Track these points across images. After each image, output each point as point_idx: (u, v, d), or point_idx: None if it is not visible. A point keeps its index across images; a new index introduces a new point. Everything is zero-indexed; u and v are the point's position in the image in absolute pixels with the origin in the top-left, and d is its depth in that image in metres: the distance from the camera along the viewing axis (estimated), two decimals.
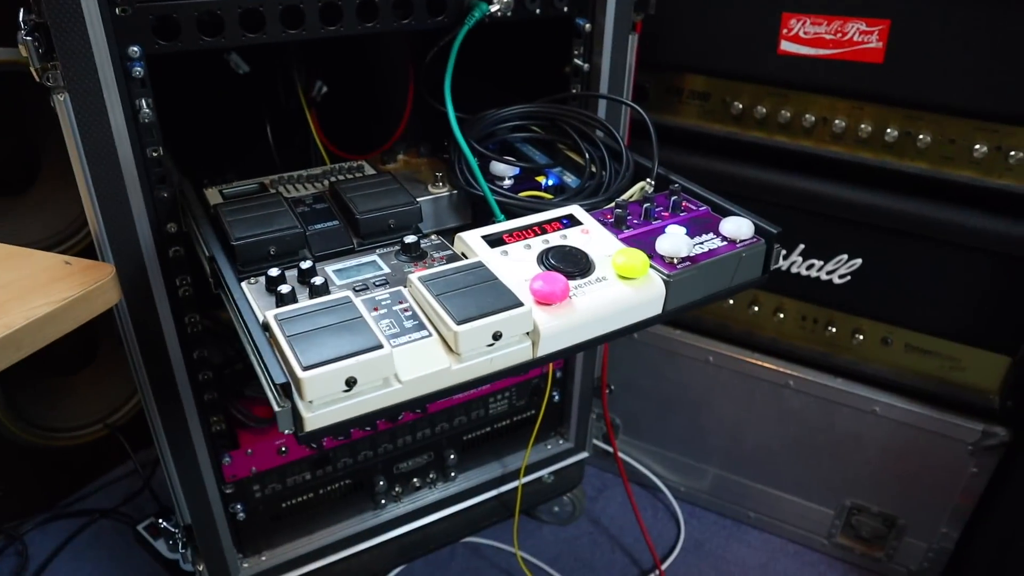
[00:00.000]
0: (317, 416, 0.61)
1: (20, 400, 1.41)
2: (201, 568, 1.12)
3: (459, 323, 0.65)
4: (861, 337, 1.30)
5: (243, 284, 0.72)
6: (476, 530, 1.34)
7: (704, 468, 1.55)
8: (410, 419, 1.21)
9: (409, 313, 0.68)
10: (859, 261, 1.25)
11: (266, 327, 0.65)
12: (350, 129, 1.26)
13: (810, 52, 1.17)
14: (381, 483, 1.23)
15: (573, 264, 0.76)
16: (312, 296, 0.70)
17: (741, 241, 0.83)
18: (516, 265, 0.76)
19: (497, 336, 0.67)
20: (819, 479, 1.43)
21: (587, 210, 0.86)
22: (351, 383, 0.60)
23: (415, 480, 1.28)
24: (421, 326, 0.67)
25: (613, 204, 0.87)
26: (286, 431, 0.61)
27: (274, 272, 0.71)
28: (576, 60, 1.10)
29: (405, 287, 0.72)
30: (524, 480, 1.38)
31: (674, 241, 0.78)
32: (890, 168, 1.19)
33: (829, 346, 1.34)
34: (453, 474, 1.30)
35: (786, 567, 1.47)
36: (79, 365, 1.55)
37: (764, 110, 1.24)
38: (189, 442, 1.02)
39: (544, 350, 0.71)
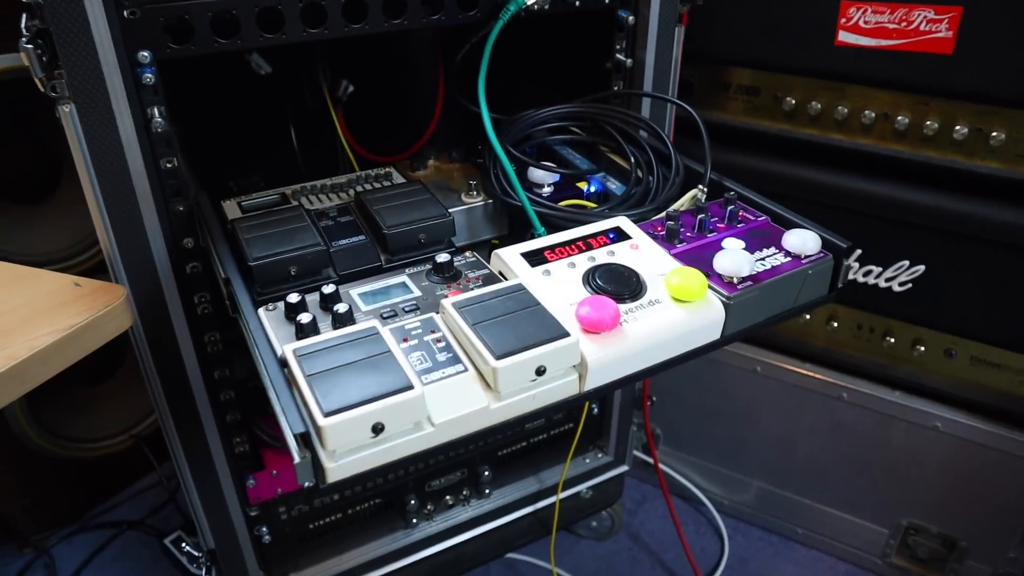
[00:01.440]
0: (341, 466, 0.54)
1: (44, 411, 1.36)
2: None
3: (499, 358, 0.58)
4: (922, 348, 1.21)
5: (261, 311, 0.66)
6: (512, 548, 1.27)
7: (749, 481, 1.46)
8: None
9: (443, 344, 0.61)
10: (921, 268, 1.16)
11: (284, 363, 0.58)
12: (378, 130, 1.19)
13: (871, 43, 1.08)
14: (412, 502, 1.17)
15: (623, 285, 0.69)
16: (336, 325, 0.63)
17: (806, 257, 0.75)
18: (560, 287, 0.68)
19: (541, 371, 0.59)
20: (873, 497, 1.35)
21: (634, 221, 0.78)
22: (378, 429, 0.54)
23: (448, 498, 1.22)
24: (456, 359, 0.60)
25: (664, 215, 0.79)
26: (306, 484, 0.54)
27: (294, 298, 0.64)
28: (618, 55, 1.02)
29: (437, 313, 0.65)
30: (562, 495, 1.31)
31: (734, 259, 0.69)
32: (958, 168, 1.09)
33: (887, 357, 1.25)
34: (488, 491, 1.23)
35: None
36: (104, 375, 1.50)
37: (819, 106, 1.15)
38: (211, 466, 0.96)
39: (592, 383, 0.64)
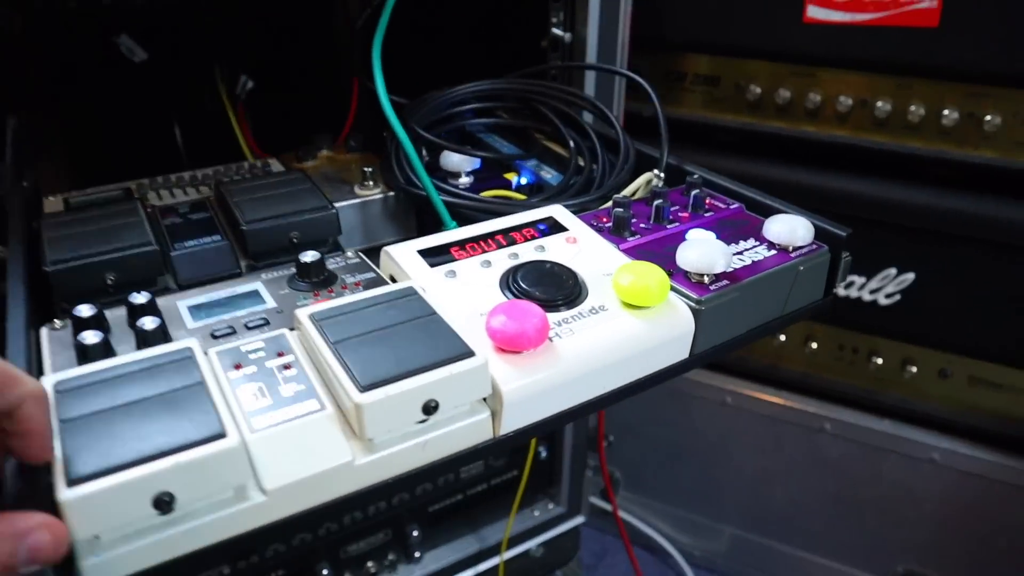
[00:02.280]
0: (103, 565, 0.34)
1: None
2: None
3: (365, 389, 0.39)
4: (914, 369, 1.04)
5: (43, 330, 0.46)
6: None
7: (722, 528, 1.28)
8: None
9: (292, 372, 0.42)
10: (910, 276, 1.00)
11: None
12: (289, 131, 1.01)
13: (844, 18, 0.93)
14: (325, 572, 0.95)
15: (555, 288, 0.50)
16: (140, 347, 0.43)
17: (796, 249, 0.57)
18: (468, 292, 0.50)
19: (431, 407, 0.41)
20: (864, 541, 1.17)
21: (574, 212, 0.61)
22: (165, 503, 0.34)
23: (370, 565, 1.01)
24: (309, 393, 0.41)
25: (610, 203, 0.61)
26: None
27: (86, 311, 0.45)
28: (555, 30, 0.85)
29: (292, 330, 0.45)
30: (507, 555, 1.11)
31: (705, 250, 0.51)
32: (948, 159, 0.94)
33: (874, 381, 1.08)
34: (418, 554, 1.03)
35: None
36: None
37: (788, 94, 0.99)
38: None
39: (512, 423, 0.45)
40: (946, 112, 0.91)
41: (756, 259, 0.55)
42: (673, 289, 0.51)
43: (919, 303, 1.00)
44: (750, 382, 1.15)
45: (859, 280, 1.03)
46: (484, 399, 0.44)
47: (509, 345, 0.44)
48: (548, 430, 0.47)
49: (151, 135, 0.98)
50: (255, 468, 0.37)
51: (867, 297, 1.03)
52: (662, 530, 1.33)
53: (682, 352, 0.52)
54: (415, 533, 1.01)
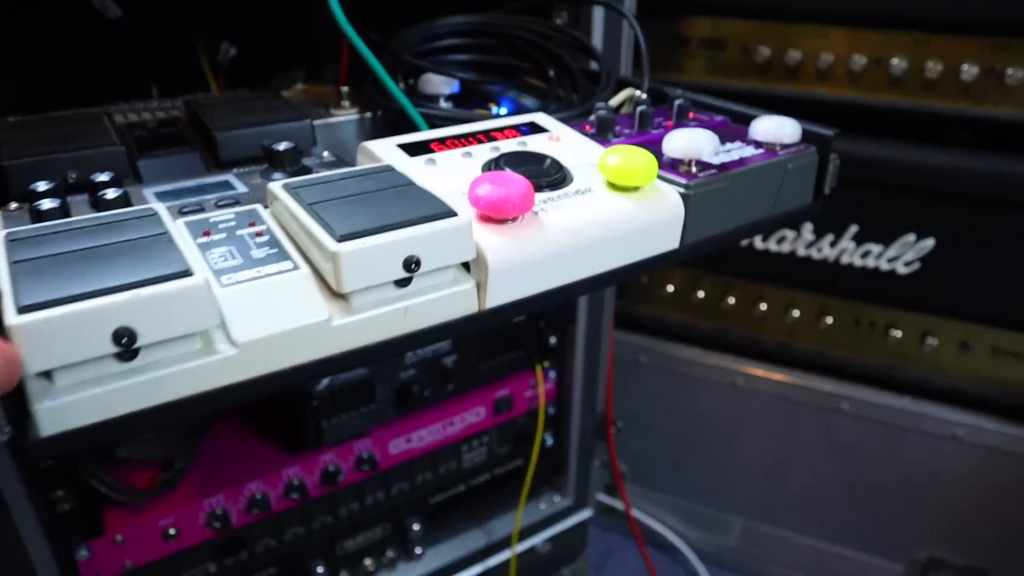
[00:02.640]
0: (62, 408, 0.28)
1: None
2: None
3: (341, 239, 0.33)
4: (934, 342, 0.99)
5: None
6: None
7: (734, 520, 1.21)
8: (353, 480, 0.86)
9: (265, 239, 0.36)
10: (931, 242, 0.95)
11: None
12: None
13: None
14: (320, 570, 0.87)
15: (539, 171, 0.45)
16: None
17: (783, 147, 0.53)
18: (449, 177, 0.45)
19: (412, 265, 0.35)
20: (883, 527, 1.11)
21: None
22: (125, 343, 0.27)
23: (367, 562, 0.93)
24: (283, 256, 0.35)
25: (593, 116, 0.56)
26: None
27: (43, 186, 0.38)
28: None
29: (265, 207, 0.39)
30: (513, 552, 1.04)
31: (691, 136, 0.48)
32: (968, 116, 0.90)
33: (892, 356, 1.03)
34: (419, 550, 0.95)
35: None
36: None
37: (797, 55, 0.95)
38: (14, 534, 0.66)
39: (496, 298, 0.40)
40: (965, 67, 0.87)
41: (743, 156, 0.52)
42: (661, 177, 0.47)
43: (939, 271, 0.96)
44: (762, 362, 1.09)
45: (876, 248, 0.98)
46: (468, 269, 0.38)
47: (494, 211, 0.39)
48: (534, 308, 0.41)
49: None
50: (225, 321, 0.31)
51: (885, 266, 0.98)
52: (670, 524, 1.26)
53: (672, 241, 0.47)
54: (415, 527, 0.93)
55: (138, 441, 0.78)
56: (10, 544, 0.67)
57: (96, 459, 0.74)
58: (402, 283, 0.36)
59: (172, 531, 0.76)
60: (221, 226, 0.36)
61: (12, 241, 0.31)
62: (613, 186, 0.46)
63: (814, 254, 1.02)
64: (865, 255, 0.99)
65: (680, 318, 1.12)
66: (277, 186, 0.38)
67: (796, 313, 1.06)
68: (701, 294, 1.09)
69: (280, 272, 0.34)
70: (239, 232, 0.36)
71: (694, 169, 0.48)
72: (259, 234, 0.36)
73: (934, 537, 1.08)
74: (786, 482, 1.14)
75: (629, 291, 1.13)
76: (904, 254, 0.97)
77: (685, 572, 1.25)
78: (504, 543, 1.02)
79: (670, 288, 1.11)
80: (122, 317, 0.28)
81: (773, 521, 1.18)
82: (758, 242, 1.04)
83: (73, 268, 0.29)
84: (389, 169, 0.42)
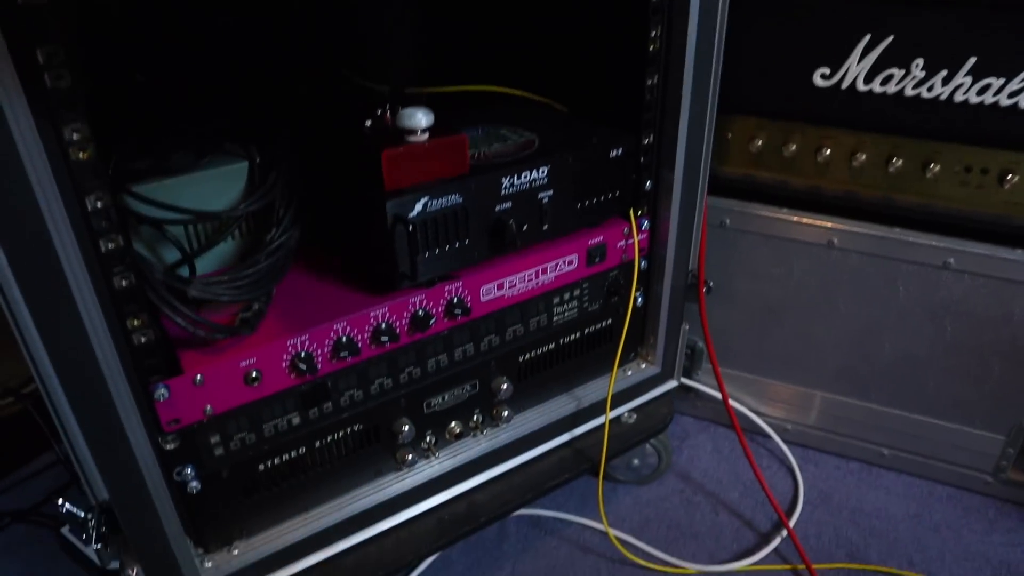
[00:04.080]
0: None
1: None
2: (135, 572, 0.68)
3: None
4: None
5: None
6: (540, 494, 0.90)
7: (819, 395, 1.13)
8: (443, 328, 0.77)
9: None
10: None
11: None
12: None
13: None
14: (406, 429, 0.79)
15: None
16: None
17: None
18: None
19: None
20: (985, 394, 1.02)
21: None
22: None
23: (454, 424, 0.84)
24: None
25: None
26: None
27: None
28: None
29: None
30: (596, 422, 0.95)
31: None
32: None
33: (1008, 205, 0.93)
34: (506, 413, 0.87)
35: (944, 516, 1.06)
36: None
37: None
38: (90, 355, 0.57)
39: None
40: None
41: None
42: None
43: None
44: (860, 221, 0.99)
45: (997, 82, 0.87)
46: None
47: None
48: None
49: None
50: None
51: (1005, 102, 0.88)
52: (750, 404, 1.18)
53: None
54: (504, 387, 0.85)
55: (211, 281, 0.69)
56: (89, 372, 0.58)
57: (175, 289, 0.65)
58: None
59: (254, 374, 0.67)
60: None
61: None
62: None
63: (924, 93, 0.91)
64: (983, 90, 0.88)
65: (769, 177, 1.02)
66: None
67: (899, 163, 0.95)
68: (793, 148, 0.98)
69: None
70: None
71: None
72: None
73: None
74: (879, 350, 1.05)
75: (713, 150, 1.03)
76: None
77: (766, 452, 1.17)
78: (592, 411, 0.94)
79: (758, 143, 1.00)
80: None
81: (861, 395, 1.09)
82: (860, 84, 0.93)
83: None
84: None
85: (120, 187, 0.66)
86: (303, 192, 0.76)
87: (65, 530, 1.01)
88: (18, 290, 0.52)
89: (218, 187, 0.74)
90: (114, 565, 0.76)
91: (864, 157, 0.96)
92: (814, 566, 0.97)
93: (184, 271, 0.70)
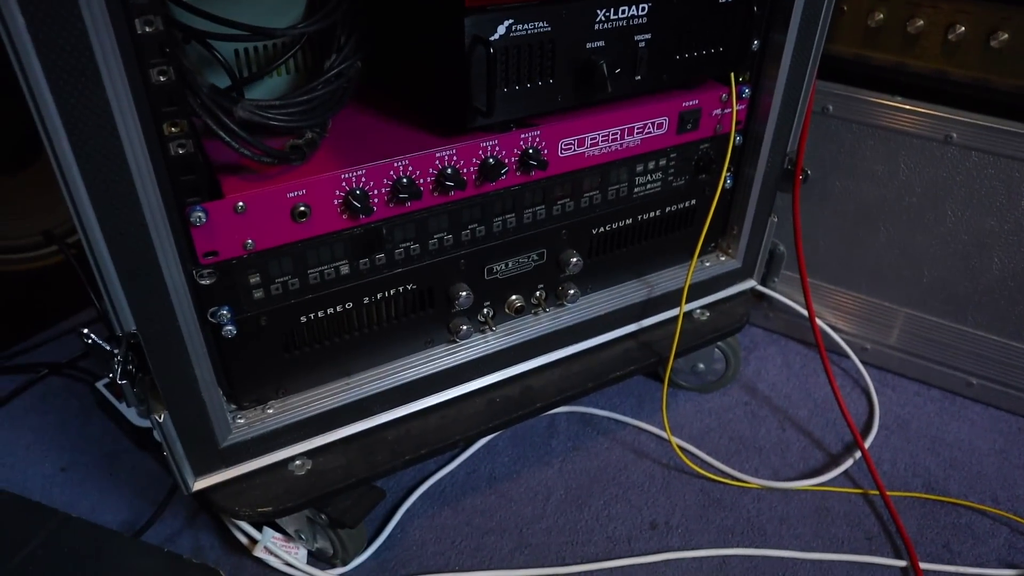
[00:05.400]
0: None
1: None
2: (162, 417, 0.61)
3: None
4: None
5: None
6: (600, 385, 0.82)
7: (904, 312, 1.01)
8: (515, 183, 0.68)
9: None
10: None
11: None
12: None
13: None
14: (463, 295, 0.70)
15: None
16: None
17: None
18: None
19: None
20: None
21: None
22: None
23: (515, 297, 0.76)
24: None
25: None
26: None
27: None
28: None
29: None
30: (667, 314, 0.86)
31: None
32: None
33: None
34: (572, 292, 0.78)
35: None
36: (21, 161, 1.02)
37: None
38: (118, 153, 0.49)
39: None
40: None
41: None
42: None
43: None
44: (987, 114, 0.86)
45: None
46: None
47: None
48: None
49: None
50: None
51: None
52: (827, 319, 1.07)
53: None
54: (573, 261, 0.75)
55: (262, 103, 0.60)
56: (117, 181, 0.50)
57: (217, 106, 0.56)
58: None
59: (302, 208, 0.59)
60: None
61: None
62: None
63: None
64: None
65: (886, 58, 0.89)
66: None
67: None
68: (919, 23, 0.85)
69: None
70: None
71: None
72: None
73: None
74: (986, 266, 0.93)
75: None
76: None
77: (841, 371, 1.07)
78: (663, 301, 0.85)
79: (878, 16, 0.87)
80: None
81: (956, 316, 0.98)
82: None
83: None
84: None
85: None
86: (367, 20, 0.66)
87: (100, 384, 0.97)
88: (38, 62, 0.44)
89: (274, 6, 0.65)
90: (143, 423, 0.70)
91: (1005, 37, 0.82)
92: (888, 492, 0.88)
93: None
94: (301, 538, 0.77)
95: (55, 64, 0.44)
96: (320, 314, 0.66)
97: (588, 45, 0.63)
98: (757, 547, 0.82)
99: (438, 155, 0.62)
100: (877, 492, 0.88)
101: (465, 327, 0.73)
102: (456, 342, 0.75)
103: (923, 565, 0.80)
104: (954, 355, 1.00)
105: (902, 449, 0.95)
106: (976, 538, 0.84)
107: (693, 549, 0.81)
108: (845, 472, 0.91)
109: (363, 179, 0.60)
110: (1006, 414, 1.00)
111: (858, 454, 0.93)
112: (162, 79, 0.50)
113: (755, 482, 0.89)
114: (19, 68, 0.44)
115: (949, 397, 1.03)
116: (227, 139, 0.56)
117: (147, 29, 0.48)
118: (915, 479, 0.91)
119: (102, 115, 0.47)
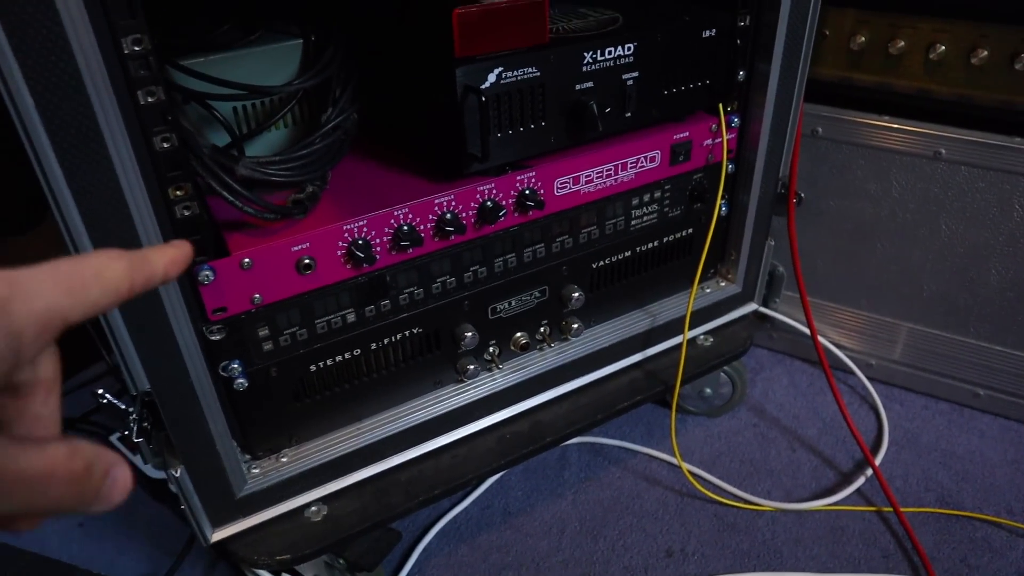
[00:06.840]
0: None
1: None
2: (179, 472, 0.62)
3: None
4: None
5: None
6: (609, 416, 0.82)
7: (907, 327, 1.02)
8: (513, 224, 0.69)
9: None
10: None
11: None
12: None
13: None
14: (469, 335, 0.71)
15: None
16: None
17: None
18: None
19: None
20: None
21: None
22: None
23: (519, 335, 0.77)
24: None
25: None
26: None
27: None
28: None
29: None
30: (671, 342, 0.87)
31: None
32: None
33: None
34: (576, 326, 0.78)
35: None
36: (27, 224, 1.04)
37: None
38: (126, 219, 0.50)
39: None
40: None
41: None
42: None
43: None
44: (972, 129, 0.87)
45: None
46: None
47: None
48: None
49: None
50: None
51: None
52: (831, 337, 1.07)
53: None
54: (575, 296, 0.76)
55: (262, 160, 0.62)
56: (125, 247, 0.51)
57: (219, 166, 0.57)
58: None
59: (307, 261, 0.60)
60: None
61: None
62: None
63: None
64: None
65: (870, 79, 0.90)
66: None
67: (1019, 66, 0.83)
68: (900, 45, 0.86)
69: None
70: None
71: None
72: None
73: None
74: (984, 278, 0.93)
75: None
76: None
77: (848, 388, 1.07)
78: (667, 329, 0.85)
79: (860, 40, 0.88)
80: None
81: (959, 328, 0.98)
82: None
83: None
84: None
85: (166, 59, 0.58)
86: (360, 73, 0.68)
87: (114, 438, 0.98)
88: (46, 136, 0.45)
89: (270, 65, 0.66)
90: (158, 474, 0.70)
91: (985, 54, 0.83)
92: (902, 509, 0.88)
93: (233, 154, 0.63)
94: None
95: (63, 140, 0.46)
96: (329, 362, 0.67)
97: (577, 87, 0.65)
98: (774, 570, 0.82)
99: (437, 201, 0.64)
100: (891, 509, 0.88)
101: (472, 367, 0.74)
102: (464, 382, 0.75)
103: None
104: (959, 367, 1.00)
105: (913, 464, 0.95)
106: (994, 551, 0.83)
107: (710, 575, 0.81)
108: (858, 490, 0.91)
109: (365, 229, 0.61)
110: (1015, 423, 1.00)
111: (870, 471, 0.92)
112: (165, 145, 0.52)
113: (768, 504, 0.89)
114: (29, 145, 0.45)
115: (957, 409, 1.03)
116: (230, 199, 0.57)
117: (149, 100, 0.49)
118: (928, 494, 0.91)
119: (110, 184, 0.48)
